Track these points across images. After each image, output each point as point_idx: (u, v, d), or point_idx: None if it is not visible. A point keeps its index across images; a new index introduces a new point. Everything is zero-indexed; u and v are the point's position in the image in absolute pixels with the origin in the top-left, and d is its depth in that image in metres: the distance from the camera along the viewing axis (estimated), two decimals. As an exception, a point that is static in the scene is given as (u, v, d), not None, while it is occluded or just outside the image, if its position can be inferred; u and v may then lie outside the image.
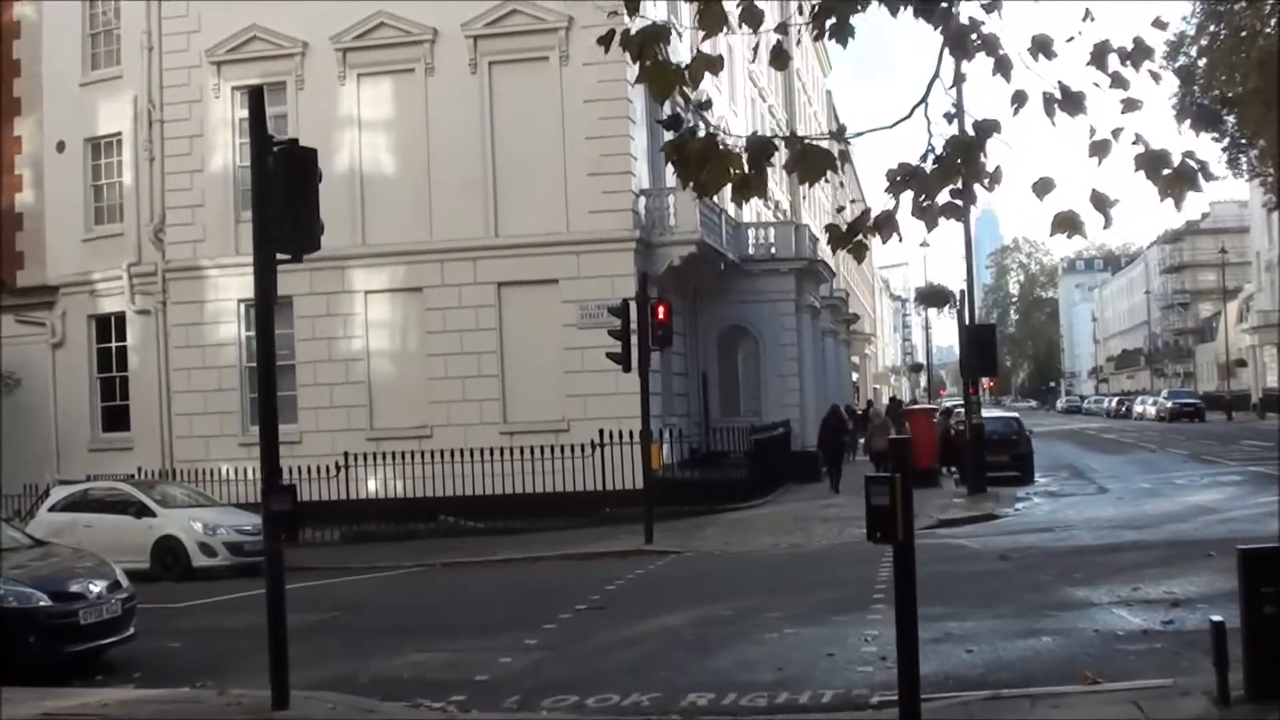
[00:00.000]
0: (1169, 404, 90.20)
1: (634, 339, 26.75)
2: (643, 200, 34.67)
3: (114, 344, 37.40)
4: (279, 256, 12.12)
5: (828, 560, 22.66)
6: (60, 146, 38.23)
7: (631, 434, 30.65)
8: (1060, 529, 25.51)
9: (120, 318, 37.14)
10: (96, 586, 15.47)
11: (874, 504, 10.02)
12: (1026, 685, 11.52)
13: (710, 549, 25.75)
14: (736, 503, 32.78)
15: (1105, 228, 7.60)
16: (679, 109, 8.92)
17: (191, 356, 35.61)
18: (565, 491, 31.76)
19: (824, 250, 47.70)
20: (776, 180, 64.46)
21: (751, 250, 43.76)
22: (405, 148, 34.80)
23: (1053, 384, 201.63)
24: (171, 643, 17.22)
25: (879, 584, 18.14)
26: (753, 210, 49.88)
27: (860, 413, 57.66)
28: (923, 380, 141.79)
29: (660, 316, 26.90)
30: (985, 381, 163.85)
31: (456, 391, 33.88)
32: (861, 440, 48.33)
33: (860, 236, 7.91)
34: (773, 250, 43.96)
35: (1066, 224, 7.33)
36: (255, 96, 12.79)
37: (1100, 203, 7.32)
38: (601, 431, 31.67)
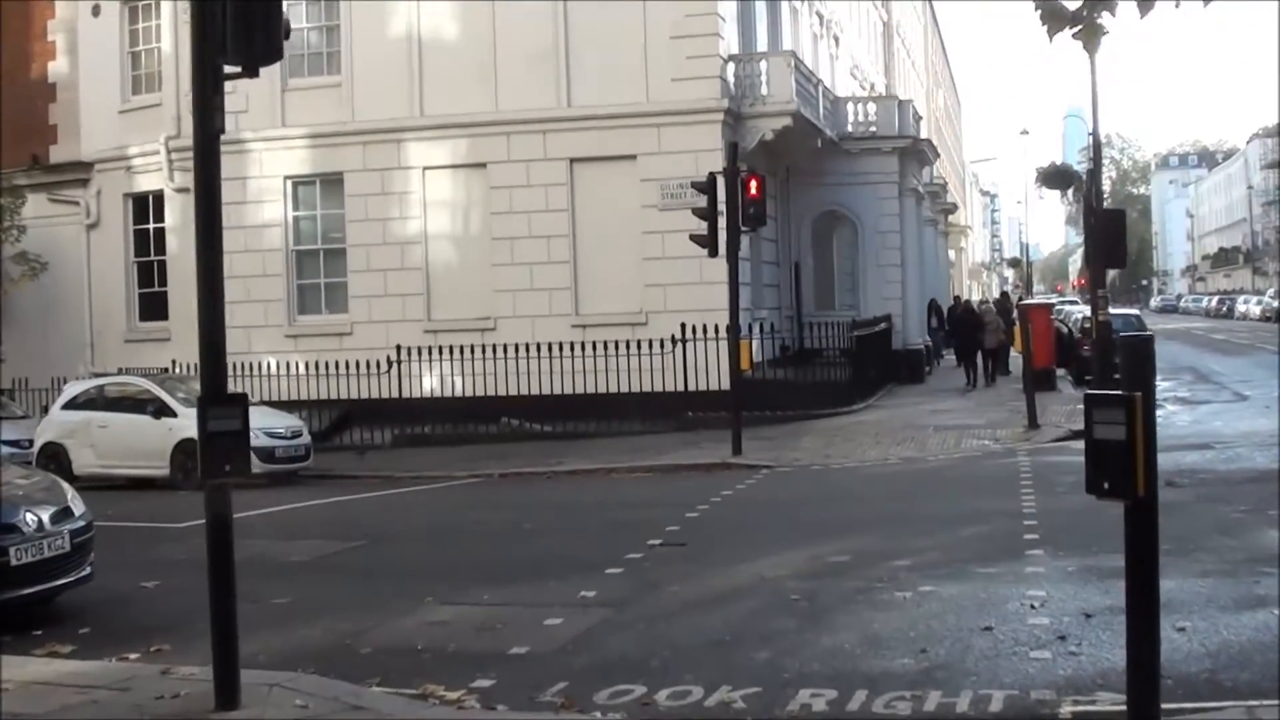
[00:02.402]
0: (1275, 303, 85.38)
1: (722, 220, 23.16)
2: (731, 67, 30.84)
3: (152, 225, 34.34)
4: (226, 70, 8.62)
5: (953, 480, 19.08)
6: (96, 10, 35.02)
7: (717, 329, 27.19)
8: (1219, 445, 21.64)
9: (159, 196, 34.03)
10: (36, 516, 12.06)
11: (1100, 438, 6.33)
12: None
13: (808, 462, 22.26)
14: (835, 407, 29.18)
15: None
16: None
17: (234, 239, 31.37)
18: (642, 392, 28.39)
19: (926, 128, 43.82)
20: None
21: (850, 128, 39.81)
22: (468, 8, 31.15)
23: (1144, 283, 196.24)
24: (146, 581, 13.80)
25: (1027, 517, 14.64)
26: (846, 85, 46.06)
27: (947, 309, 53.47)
28: (1009, 275, 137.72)
29: (752, 192, 23.19)
30: (1073, 279, 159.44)
31: (523, 279, 30.51)
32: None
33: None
34: (873, 129, 40.02)
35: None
36: None
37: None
38: (683, 326, 28.14)
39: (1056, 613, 10.17)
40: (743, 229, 23.32)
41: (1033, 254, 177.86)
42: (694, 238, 23.71)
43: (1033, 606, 10.41)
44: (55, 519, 12.22)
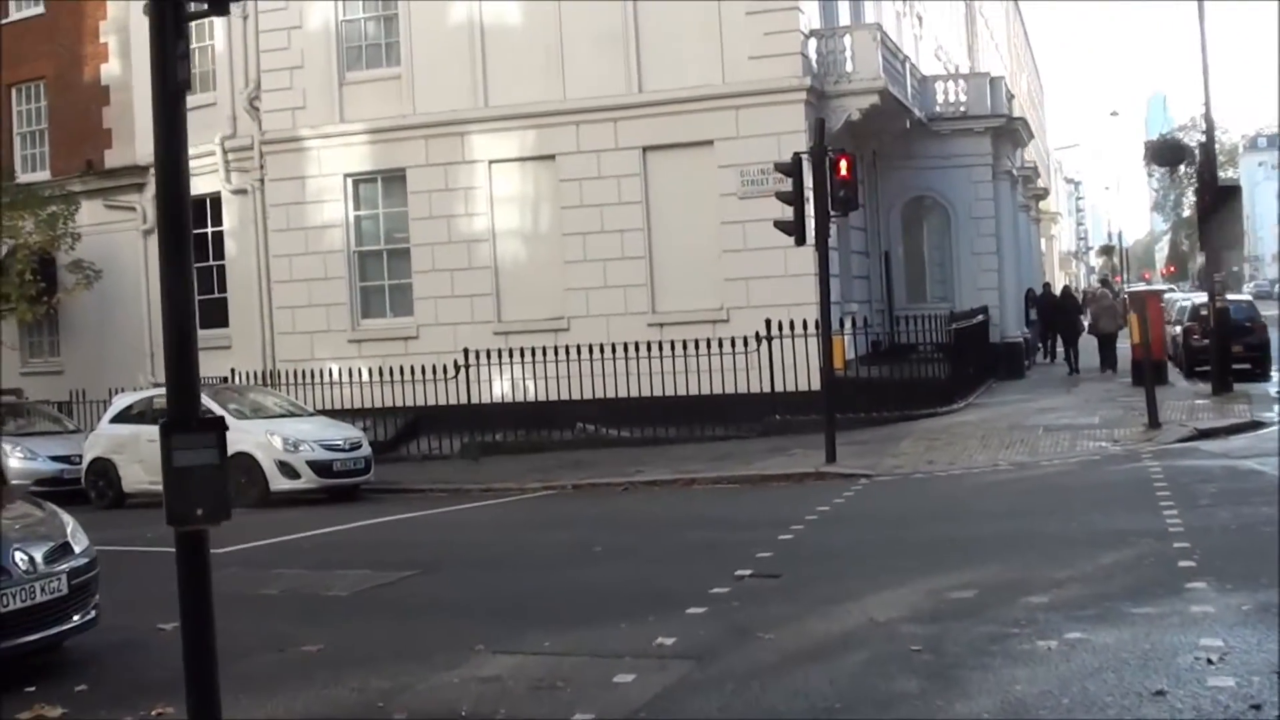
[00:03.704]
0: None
1: (809, 205, 21.24)
2: (813, 42, 28.81)
3: (209, 229, 32.88)
4: (190, 8, 6.94)
5: (1076, 491, 16.93)
6: (147, 9, 33.49)
7: (805, 324, 25.42)
8: None
9: (215, 199, 32.56)
10: (27, 555, 10.35)
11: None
12: None
13: (909, 470, 20.25)
14: (933, 407, 27.07)
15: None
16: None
17: (293, 241, 30.91)
18: (724, 394, 26.45)
19: (1019, 107, 41.65)
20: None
21: (939, 108, 37.72)
22: (532, -9, 29.39)
23: (1234, 269, 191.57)
24: (164, 622, 11.91)
25: (1175, 539, 12.54)
26: (930, 66, 43.93)
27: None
28: (1096, 264, 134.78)
29: (842, 173, 21.17)
30: (1161, 267, 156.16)
31: (596, 277, 28.73)
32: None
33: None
34: (963, 108, 37.90)
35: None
36: None
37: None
38: (768, 322, 26.23)
39: (1241, 669, 8.17)
40: (832, 214, 21.34)
41: (1114, 243, 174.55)
42: (779, 225, 21.80)
43: (1210, 661, 8.40)
44: (50, 557, 10.51)
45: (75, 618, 10.65)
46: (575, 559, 14.52)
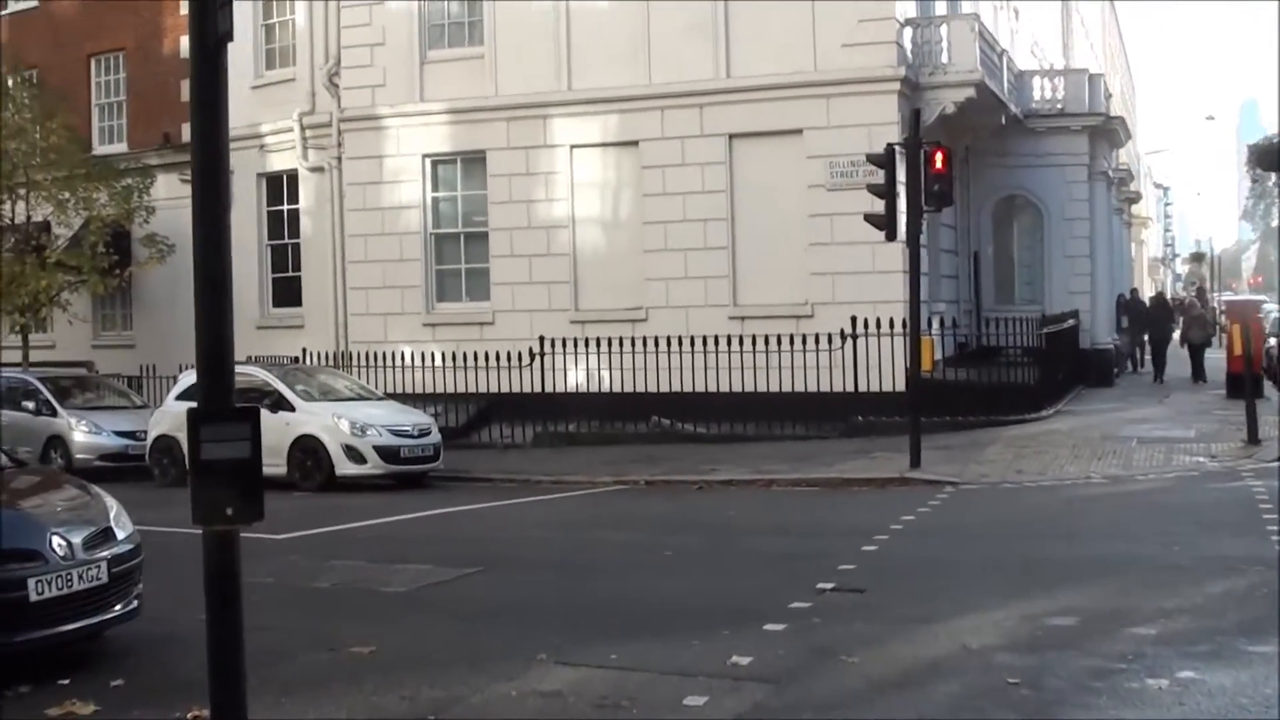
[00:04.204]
0: None
1: (901, 199, 20.39)
2: (908, 31, 27.91)
3: (285, 206, 32.49)
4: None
5: (1176, 510, 15.96)
6: (229, -21, 33.18)
7: (892, 323, 24.55)
8: None
9: (292, 176, 32.18)
10: (65, 540, 9.73)
11: None
12: None
13: (997, 479, 19.38)
14: (1021, 413, 26.03)
15: None
16: None
17: (369, 221, 30.36)
18: (805, 392, 25.59)
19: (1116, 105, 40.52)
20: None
21: (1035, 104, 36.68)
22: (619, -28, 28.63)
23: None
24: None
25: (1290, 566, 11.66)
26: (1025, 62, 42.82)
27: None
28: (1182, 271, 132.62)
29: (938, 166, 20.28)
30: (1248, 277, 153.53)
31: (677, 267, 27.94)
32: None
33: None
34: (1060, 105, 36.85)
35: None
36: None
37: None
38: (854, 319, 25.41)
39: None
40: (925, 209, 20.49)
41: (1205, 250, 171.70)
42: (869, 218, 20.95)
43: (1344, 709, 7.60)
44: (90, 543, 9.86)
45: (117, 607, 10.02)
46: (646, 563, 13.79)
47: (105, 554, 9.89)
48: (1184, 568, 12.07)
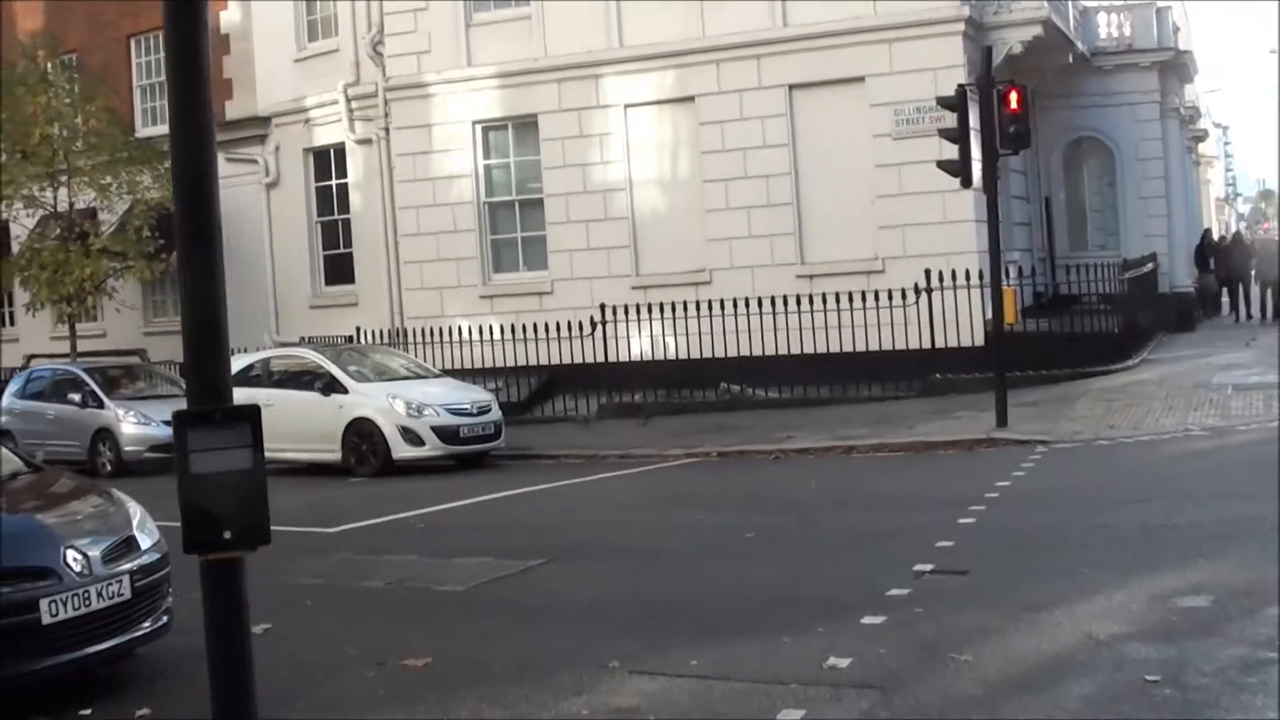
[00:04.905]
0: None
1: (974, 143, 19.24)
2: (971, -31, 26.71)
3: (334, 181, 31.67)
4: None
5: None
6: (268, -50, 32.43)
7: (968, 275, 23.48)
8: None
9: (339, 150, 31.39)
10: (81, 554, 8.73)
11: None
12: None
13: (1090, 435, 18.21)
14: (1106, 364, 24.76)
15: None
16: None
17: (419, 192, 29.44)
18: (879, 350, 24.58)
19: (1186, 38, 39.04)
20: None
21: (1101, 41, 35.35)
22: (669, -79, 27.49)
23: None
24: (253, 626, 10.31)
25: None
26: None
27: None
28: (1243, 211, 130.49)
29: (1013, 106, 19.09)
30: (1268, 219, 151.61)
31: (740, 226, 26.89)
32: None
33: None
34: (1128, 42, 35.49)
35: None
36: None
37: None
38: (928, 273, 24.29)
39: None
40: (1001, 152, 19.34)
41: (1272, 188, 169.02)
42: (942, 165, 19.78)
43: None
44: (110, 555, 8.89)
45: (145, 625, 9.07)
46: (725, 547, 12.67)
47: (128, 567, 8.92)
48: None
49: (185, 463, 4.84)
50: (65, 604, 8.40)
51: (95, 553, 8.79)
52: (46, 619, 8.28)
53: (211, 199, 4.91)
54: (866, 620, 9.04)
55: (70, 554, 8.63)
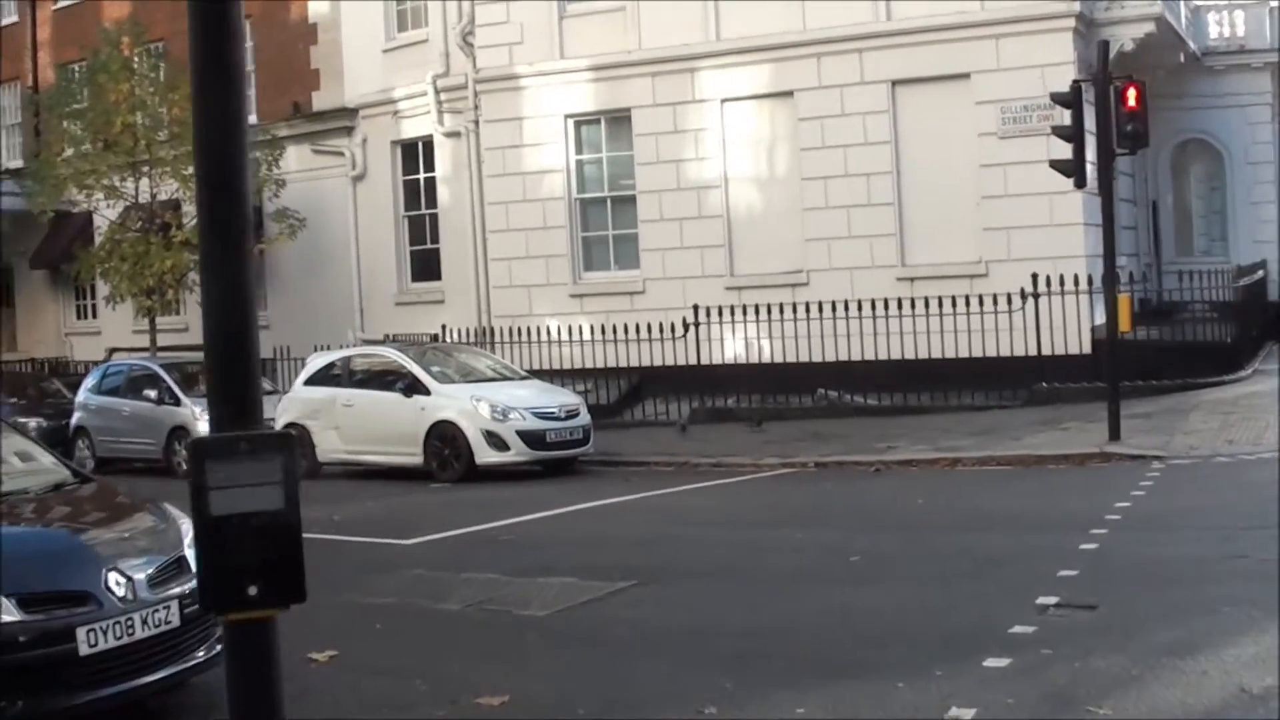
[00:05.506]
0: None
1: (1089, 142, 18.33)
2: (1083, -37, 25.75)
3: (421, 175, 31.16)
4: None
5: None
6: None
7: (1076, 280, 22.59)
8: None
9: (428, 143, 30.85)
10: (127, 576, 7.93)
11: None
12: None
13: (1207, 451, 17.24)
14: (1219, 375, 23.72)
15: None
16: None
17: (509, 187, 28.85)
18: (983, 357, 23.77)
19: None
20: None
21: (1212, 41, 34.26)
22: (769, -89, 26.70)
23: None
24: (318, 650, 9.54)
25: None
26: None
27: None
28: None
29: (1131, 103, 18.17)
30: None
31: (839, 226, 26.08)
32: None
33: None
34: (1241, 43, 34.38)
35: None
36: None
37: None
38: (1034, 277, 23.37)
39: None
40: (1118, 151, 18.40)
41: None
42: (1055, 164, 18.87)
43: None
44: (157, 578, 8.09)
45: (199, 653, 8.23)
46: (828, 572, 11.80)
47: (178, 591, 8.08)
48: None
49: (203, 502, 3.98)
50: (105, 633, 7.63)
51: (141, 576, 8.02)
52: (84, 649, 7.51)
53: (242, 195, 4.12)
54: (989, 663, 8.21)
55: (113, 577, 7.86)
